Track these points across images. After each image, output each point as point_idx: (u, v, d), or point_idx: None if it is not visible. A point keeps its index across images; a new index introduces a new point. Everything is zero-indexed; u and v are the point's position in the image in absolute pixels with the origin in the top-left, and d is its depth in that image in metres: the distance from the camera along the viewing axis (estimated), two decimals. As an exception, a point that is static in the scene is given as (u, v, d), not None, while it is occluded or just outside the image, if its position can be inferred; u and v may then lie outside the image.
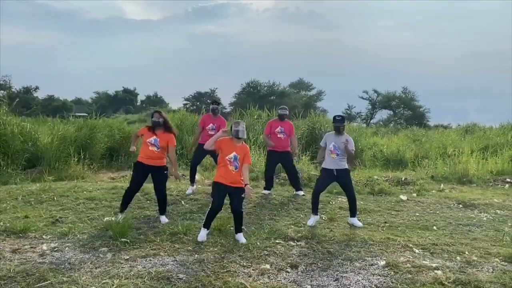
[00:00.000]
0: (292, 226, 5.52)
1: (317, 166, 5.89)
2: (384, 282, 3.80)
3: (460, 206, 7.07)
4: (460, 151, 11.50)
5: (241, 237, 4.83)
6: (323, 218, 5.96)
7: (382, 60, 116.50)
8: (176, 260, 4.17)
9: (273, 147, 7.24)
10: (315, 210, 5.72)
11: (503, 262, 4.34)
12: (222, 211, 5.97)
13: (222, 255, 4.35)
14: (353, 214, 5.76)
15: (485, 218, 6.30)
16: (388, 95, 45.66)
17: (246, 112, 14.17)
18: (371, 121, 45.02)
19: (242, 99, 43.48)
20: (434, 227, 5.69)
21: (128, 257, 4.20)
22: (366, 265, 4.22)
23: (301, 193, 7.27)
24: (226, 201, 5.09)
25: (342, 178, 5.69)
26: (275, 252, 4.50)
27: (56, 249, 4.42)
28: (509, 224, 5.98)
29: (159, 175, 5.46)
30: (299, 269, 4.09)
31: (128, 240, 4.65)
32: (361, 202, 7.00)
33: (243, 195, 4.84)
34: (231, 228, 5.05)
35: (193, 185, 7.19)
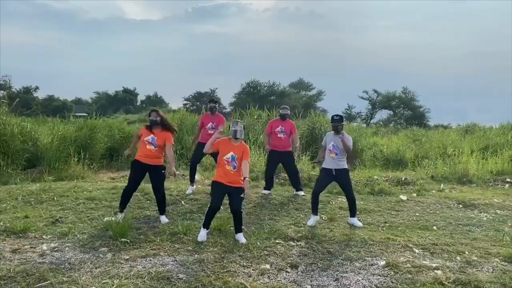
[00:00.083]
0: (292, 226, 5.52)
1: (315, 165, 5.88)
2: (384, 282, 3.80)
3: (460, 206, 7.06)
4: (460, 151, 11.50)
5: (241, 237, 4.83)
6: (323, 218, 5.96)
7: (382, 60, 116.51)
8: (176, 260, 4.17)
9: (274, 146, 7.25)
10: (315, 210, 5.72)
11: (503, 262, 4.34)
12: (222, 211, 5.98)
13: (222, 255, 4.35)
14: (353, 214, 5.76)
15: (485, 218, 6.30)
16: (388, 95, 45.65)
17: (246, 112, 14.16)
18: (371, 121, 45.04)
19: (242, 99, 43.46)
20: (434, 227, 5.68)
21: (128, 257, 4.20)
22: (366, 265, 4.22)
23: (301, 193, 7.27)
24: (226, 201, 5.10)
25: (341, 178, 5.69)
26: (275, 252, 4.50)
27: (56, 249, 4.42)
28: (509, 224, 5.98)
29: (157, 174, 5.45)
30: (299, 269, 4.09)
31: (128, 240, 4.65)
32: (361, 202, 7.00)
33: (242, 195, 4.84)
34: (231, 228, 5.05)
35: (193, 185, 7.19)
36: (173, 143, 5.52)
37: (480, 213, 6.65)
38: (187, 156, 10.72)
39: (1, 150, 9.03)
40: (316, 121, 13.05)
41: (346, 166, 5.71)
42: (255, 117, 13.90)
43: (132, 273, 3.81)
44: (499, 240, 5.11)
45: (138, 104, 63.26)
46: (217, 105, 7.19)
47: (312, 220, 5.66)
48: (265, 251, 4.52)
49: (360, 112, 47.99)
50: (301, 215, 6.08)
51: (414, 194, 7.91)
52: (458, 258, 4.44)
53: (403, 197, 7.47)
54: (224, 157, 4.81)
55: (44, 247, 4.46)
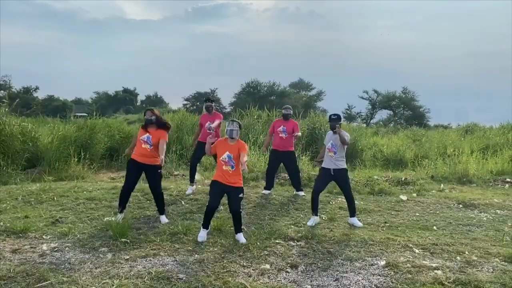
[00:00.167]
0: (292, 226, 5.52)
1: (315, 165, 5.89)
2: (384, 282, 3.80)
3: (460, 206, 7.06)
4: (460, 151, 11.49)
5: (241, 237, 4.83)
6: (323, 218, 5.96)
7: (382, 60, 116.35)
8: (176, 260, 4.17)
9: (276, 146, 7.26)
10: (315, 211, 5.73)
11: (503, 262, 4.34)
12: (222, 210, 5.99)
13: (222, 255, 4.35)
14: (352, 214, 5.76)
15: (485, 218, 6.30)
16: (388, 95, 45.63)
17: (246, 112, 14.15)
18: (371, 121, 45.03)
19: (242, 99, 43.43)
20: (434, 227, 5.68)
21: (128, 257, 4.20)
22: (366, 265, 4.22)
23: (301, 193, 7.27)
24: (226, 201, 5.10)
25: (339, 177, 5.70)
26: (275, 252, 4.50)
27: (56, 249, 4.42)
28: (509, 224, 5.98)
29: (153, 174, 5.45)
30: (299, 269, 4.09)
31: (128, 240, 4.66)
32: (361, 202, 7.01)
33: (241, 195, 4.85)
34: (231, 228, 5.05)
35: (193, 185, 7.19)
36: (167, 140, 5.50)
37: (480, 213, 6.65)
38: (187, 156, 10.72)
39: (1, 150, 9.03)
40: (316, 121, 13.05)
41: (344, 166, 5.71)
42: (255, 117, 13.89)
43: (132, 273, 3.81)
44: (499, 240, 5.11)
45: (138, 104, 63.26)
46: (213, 104, 7.19)
47: (312, 220, 5.66)
48: (265, 251, 4.52)
49: (360, 112, 48.06)
50: (301, 215, 6.09)
51: (414, 194, 7.91)
52: (458, 258, 4.44)
53: (403, 197, 7.47)
54: (221, 158, 4.82)
55: (44, 247, 4.46)
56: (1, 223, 5.20)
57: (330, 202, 6.88)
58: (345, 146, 5.67)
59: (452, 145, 13.02)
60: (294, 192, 7.36)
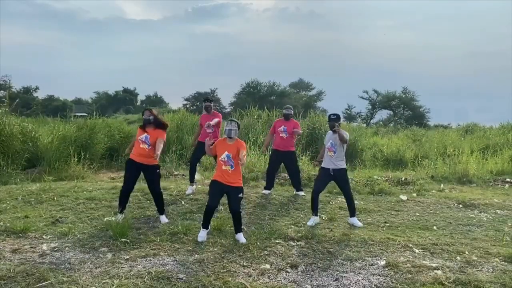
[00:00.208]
0: (292, 226, 5.52)
1: (316, 164, 5.90)
2: (384, 282, 3.80)
3: (460, 206, 7.06)
4: (460, 151, 11.49)
5: (241, 237, 4.83)
6: (323, 218, 5.96)
7: (382, 60, 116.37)
8: (176, 260, 4.17)
9: (277, 146, 7.26)
10: (315, 211, 5.73)
11: (503, 262, 4.34)
12: (222, 210, 5.99)
13: (222, 255, 4.35)
14: (352, 214, 5.76)
15: (485, 218, 6.30)
16: (388, 95, 45.63)
17: (246, 112, 14.15)
18: (371, 121, 45.04)
19: (242, 99, 43.43)
20: (434, 227, 5.69)
21: (128, 257, 4.20)
22: (366, 265, 4.22)
23: (301, 193, 7.27)
24: (226, 201, 5.10)
25: (339, 177, 5.71)
26: (275, 252, 4.50)
27: (56, 249, 4.42)
28: (509, 224, 5.98)
29: (151, 174, 5.45)
30: (299, 269, 4.09)
31: (128, 240, 4.66)
32: (361, 202, 7.01)
33: (240, 195, 4.85)
34: (231, 228, 5.05)
35: (193, 185, 7.19)
36: (165, 139, 5.50)
37: (480, 213, 6.65)
38: (187, 156, 10.72)
39: (1, 150, 9.03)
40: (316, 121, 13.05)
41: (344, 166, 5.72)
42: (255, 117, 13.89)
43: (132, 273, 3.81)
44: (499, 240, 5.11)
45: (138, 104, 63.25)
46: (212, 104, 7.19)
47: (312, 220, 5.66)
48: (265, 251, 4.52)
49: (360, 112, 48.08)
50: (301, 215, 6.09)
51: (414, 194, 7.91)
52: (458, 258, 4.44)
53: (403, 197, 7.47)
54: (220, 158, 4.83)
55: (44, 247, 4.46)
56: (1, 223, 5.20)
57: (330, 202, 6.88)
58: (345, 145, 5.68)
59: (452, 145, 13.01)
60: (294, 192, 7.36)
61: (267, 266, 4.11)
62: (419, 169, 10.72)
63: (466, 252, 4.60)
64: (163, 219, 5.55)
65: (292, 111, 7.45)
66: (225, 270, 3.96)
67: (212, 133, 6.89)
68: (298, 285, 3.71)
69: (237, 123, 4.95)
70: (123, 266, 3.99)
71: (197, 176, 7.57)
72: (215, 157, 5.06)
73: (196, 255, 4.32)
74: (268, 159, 9.47)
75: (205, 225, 4.88)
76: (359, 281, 3.82)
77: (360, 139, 13.31)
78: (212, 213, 4.89)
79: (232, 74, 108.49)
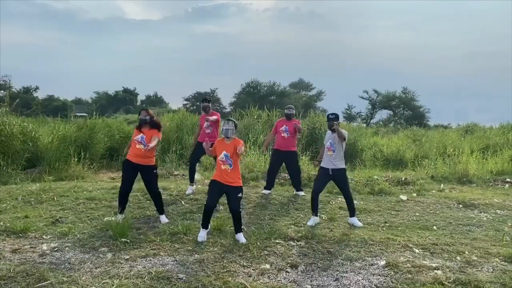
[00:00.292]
0: (292, 226, 5.52)
1: (316, 164, 5.90)
2: (384, 282, 3.80)
3: (460, 206, 7.07)
4: (460, 151, 11.50)
5: (241, 237, 4.83)
6: (323, 218, 5.96)
7: (382, 60, 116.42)
8: (176, 260, 4.17)
9: (278, 146, 7.26)
10: (315, 211, 5.73)
11: (503, 262, 4.34)
12: (222, 210, 5.99)
13: (222, 255, 4.35)
14: (352, 214, 5.77)
15: (485, 218, 6.30)
16: (388, 95, 45.62)
17: (246, 112, 14.15)
18: (371, 121, 45.03)
19: (242, 99, 43.42)
20: (434, 227, 5.69)
21: (128, 257, 4.20)
22: (366, 265, 4.22)
23: (301, 193, 7.27)
24: (226, 201, 5.10)
25: (338, 177, 5.71)
26: (275, 252, 4.50)
27: (56, 249, 4.42)
28: (509, 224, 5.98)
29: (148, 174, 5.45)
30: (299, 269, 4.09)
31: (128, 240, 4.66)
32: (361, 202, 7.01)
33: (239, 195, 4.85)
34: (231, 228, 5.05)
35: (193, 185, 7.19)
36: (160, 137, 5.49)
37: (480, 213, 6.65)
38: (187, 156, 10.72)
39: (1, 150, 9.03)
40: (316, 121, 13.05)
41: (343, 166, 5.72)
42: (255, 117, 13.88)
43: (132, 273, 3.81)
44: (499, 240, 5.11)
45: (138, 104, 63.21)
46: (210, 104, 7.18)
47: (312, 220, 5.66)
48: (265, 251, 4.52)
49: (360, 112, 48.05)
50: (301, 215, 6.09)
51: (414, 194, 7.91)
52: (458, 258, 4.44)
53: (403, 197, 7.47)
54: (219, 158, 4.85)
55: (44, 247, 4.46)
56: (1, 223, 5.20)
57: (330, 202, 6.88)
58: (344, 144, 5.68)
59: (452, 145, 13.02)
60: (294, 192, 7.36)
61: (267, 266, 4.11)
62: (419, 169, 10.72)
63: (466, 252, 4.60)
64: (163, 219, 5.55)
65: (294, 111, 7.45)
66: (225, 270, 3.96)
67: (210, 133, 6.91)
68: (298, 285, 3.71)
69: (234, 122, 4.95)
70: (123, 266, 3.99)
71: (197, 176, 7.57)
72: (215, 157, 5.06)
73: (196, 255, 4.32)
74: (267, 159, 9.50)
75: (205, 225, 4.88)
76: (359, 281, 3.82)
77: (360, 139, 13.31)
78: (211, 212, 4.89)
79: (232, 74, 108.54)
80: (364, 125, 36.20)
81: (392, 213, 6.48)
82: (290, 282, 3.78)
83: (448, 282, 3.75)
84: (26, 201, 6.40)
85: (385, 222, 5.90)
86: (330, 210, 6.33)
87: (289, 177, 7.85)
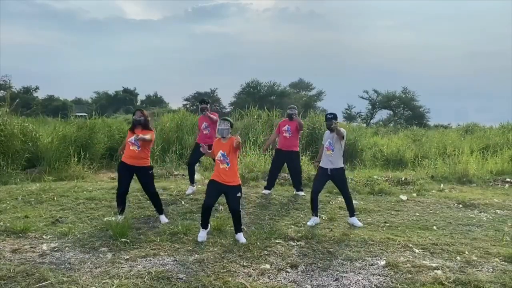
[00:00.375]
0: (292, 226, 5.52)
1: (315, 165, 5.91)
2: (384, 282, 3.80)
3: (460, 206, 7.07)
4: (460, 151, 11.50)
5: (241, 237, 4.83)
6: (323, 218, 5.96)
7: (382, 60, 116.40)
8: (176, 260, 4.17)
9: (280, 146, 7.27)
10: (315, 211, 5.73)
11: (503, 262, 4.34)
12: (222, 210, 5.99)
13: (222, 255, 4.35)
14: (351, 214, 5.77)
15: (485, 218, 6.30)
16: (388, 95, 45.63)
17: (246, 112, 14.15)
18: (371, 121, 45.04)
19: (242, 99, 43.41)
20: (434, 227, 5.69)
21: (128, 257, 4.20)
22: (366, 265, 4.22)
23: (301, 193, 7.27)
24: (225, 200, 5.09)
25: (336, 177, 5.71)
26: (275, 252, 4.50)
27: (56, 249, 4.42)
28: (509, 224, 5.98)
29: (144, 176, 5.45)
30: (299, 269, 4.09)
31: (128, 240, 4.66)
32: (361, 202, 7.01)
33: (238, 194, 4.85)
34: (231, 228, 5.05)
35: (193, 185, 7.19)
36: (153, 137, 5.48)
37: (480, 213, 6.65)
38: (187, 156, 10.73)
39: (1, 150, 9.03)
40: (316, 121, 13.05)
41: (342, 166, 5.72)
42: (255, 117, 13.88)
43: (132, 273, 3.81)
44: (499, 240, 5.11)
45: (138, 104, 63.17)
46: (208, 106, 7.16)
47: (312, 221, 5.66)
48: (265, 251, 4.52)
49: (360, 112, 48.06)
50: (301, 215, 6.09)
51: (414, 194, 7.92)
52: (458, 258, 4.44)
53: (403, 197, 7.47)
54: (217, 158, 4.87)
55: (44, 247, 4.46)
56: (1, 223, 5.20)
57: (330, 202, 6.89)
58: (343, 143, 5.68)
59: (452, 145, 13.03)
60: (294, 192, 7.36)
61: (267, 266, 4.11)
62: (419, 169, 10.72)
63: (466, 252, 4.60)
64: (163, 219, 5.55)
65: (296, 111, 7.45)
66: (225, 270, 3.96)
67: (208, 134, 6.91)
68: (298, 285, 3.71)
69: (230, 122, 4.96)
70: (123, 266, 3.99)
71: (197, 176, 7.58)
72: (215, 159, 5.07)
73: (196, 255, 4.32)
74: (268, 159, 9.51)
75: (204, 225, 4.88)
76: (359, 281, 3.82)
77: (360, 139, 13.31)
78: (208, 212, 4.89)
79: (232, 74, 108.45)
80: (364, 125, 36.20)
81: (392, 213, 6.48)
82: (290, 282, 3.78)
83: (448, 282, 3.75)
84: (26, 201, 6.40)
85: (385, 222, 5.90)
86: (330, 210, 6.33)
87: (289, 176, 7.85)
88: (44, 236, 4.84)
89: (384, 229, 5.56)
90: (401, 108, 46.21)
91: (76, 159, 9.46)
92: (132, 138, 5.36)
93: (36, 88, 55.13)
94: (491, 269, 4.12)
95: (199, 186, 7.53)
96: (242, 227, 4.99)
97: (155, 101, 62.42)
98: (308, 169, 9.33)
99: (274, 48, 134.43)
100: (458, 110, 68.00)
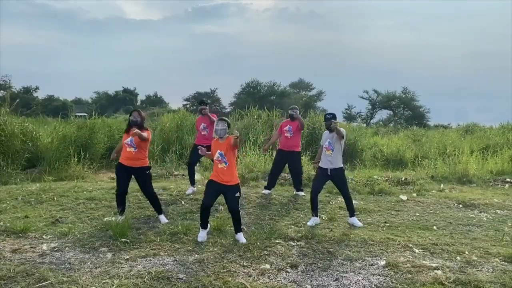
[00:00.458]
0: (292, 226, 5.52)
1: (315, 166, 5.92)
2: (384, 282, 3.80)
3: (460, 206, 7.06)
4: (460, 151, 11.50)
5: (241, 237, 4.83)
6: (323, 218, 5.96)
7: (382, 60, 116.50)
8: (176, 260, 4.17)
9: (282, 146, 7.27)
10: (315, 211, 5.73)
11: (503, 262, 4.34)
12: (222, 210, 5.99)
13: (222, 255, 4.35)
14: (351, 214, 5.77)
15: (485, 218, 6.30)
16: (388, 95, 45.63)
17: (246, 112, 14.15)
18: (371, 121, 45.05)
19: (242, 99, 43.41)
20: (434, 227, 5.68)
21: (128, 257, 4.20)
22: (366, 265, 4.22)
23: (301, 193, 7.27)
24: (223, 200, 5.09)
25: (336, 177, 5.71)
26: (275, 252, 4.50)
27: (56, 249, 4.42)
28: (509, 224, 5.98)
29: (141, 176, 5.45)
30: (299, 269, 4.09)
31: (128, 240, 4.66)
32: (361, 202, 7.01)
33: (237, 194, 4.85)
34: (231, 228, 5.05)
35: (193, 186, 7.19)
36: (149, 136, 5.46)
37: (480, 213, 6.65)
38: (187, 156, 10.73)
39: (1, 150, 9.03)
40: (316, 121, 13.05)
41: (341, 166, 5.72)
42: (255, 117, 13.88)
43: (132, 273, 3.81)
44: (499, 240, 5.11)
45: (138, 104, 63.14)
46: (207, 107, 7.16)
47: (312, 221, 5.66)
48: (265, 251, 4.52)
49: (360, 112, 48.09)
50: (301, 215, 6.09)
51: (414, 194, 7.91)
52: (458, 258, 4.44)
53: (403, 197, 7.47)
54: (215, 158, 4.89)
55: (44, 247, 4.46)
56: (1, 223, 5.20)
57: (330, 202, 6.88)
58: (342, 143, 5.68)
59: (452, 145, 13.03)
60: (294, 192, 7.36)
61: (267, 266, 4.11)
62: (419, 169, 10.72)
63: (466, 252, 4.60)
64: (163, 219, 5.55)
65: (298, 111, 7.45)
66: (225, 270, 3.96)
67: (206, 135, 6.91)
68: (298, 285, 3.71)
69: (227, 122, 4.96)
70: (123, 266, 3.99)
71: (197, 176, 7.58)
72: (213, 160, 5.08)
73: (196, 255, 4.32)
74: (268, 159, 9.51)
75: (203, 225, 4.88)
76: (359, 281, 3.82)
77: (360, 139, 13.31)
78: (207, 212, 4.88)
79: (232, 74, 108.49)
80: (364, 125, 36.20)
81: (392, 213, 6.48)
82: (290, 282, 3.78)
83: (448, 282, 3.75)
84: (26, 201, 6.40)
85: (385, 222, 5.90)
86: (330, 210, 6.33)
87: (289, 176, 7.85)
88: (44, 236, 4.83)
89: (384, 229, 5.56)
90: (401, 108, 46.21)
91: (76, 159, 9.45)
92: (128, 140, 5.35)
93: (36, 88, 55.21)
94: (491, 269, 4.12)
95: (199, 186, 7.53)
96: (242, 227, 4.99)
97: (155, 101, 62.40)
98: (308, 169, 9.33)
99: (274, 48, 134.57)
100: (458, 110, 68.08)
